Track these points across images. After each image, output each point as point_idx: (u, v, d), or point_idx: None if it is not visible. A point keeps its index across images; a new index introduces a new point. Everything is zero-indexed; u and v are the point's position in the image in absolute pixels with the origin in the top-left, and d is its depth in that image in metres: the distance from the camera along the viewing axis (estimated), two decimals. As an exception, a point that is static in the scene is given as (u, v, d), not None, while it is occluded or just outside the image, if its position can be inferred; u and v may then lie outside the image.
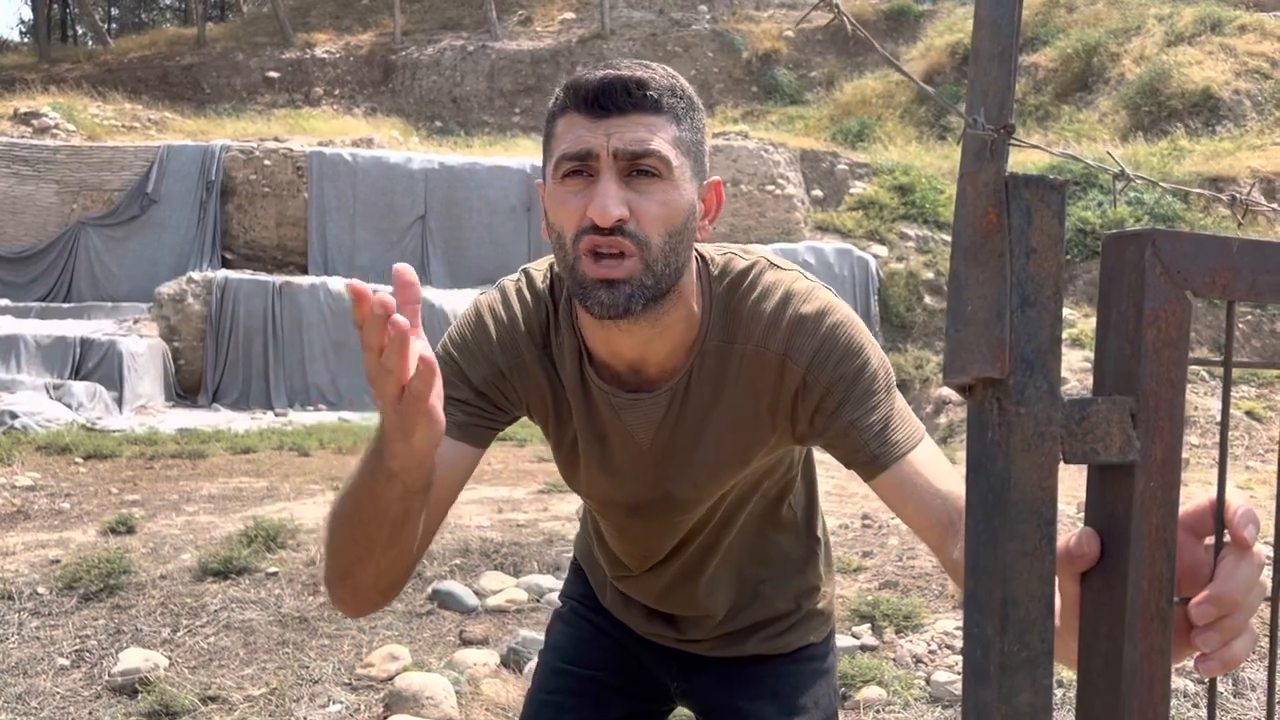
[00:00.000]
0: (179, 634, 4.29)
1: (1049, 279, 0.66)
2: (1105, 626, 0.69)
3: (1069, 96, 20.83)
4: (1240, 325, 14.63)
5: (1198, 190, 1.12)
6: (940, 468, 1.32)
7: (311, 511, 6.29)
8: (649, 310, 1.27)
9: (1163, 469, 0.68)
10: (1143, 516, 0.68)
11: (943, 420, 11.90)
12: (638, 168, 1.23)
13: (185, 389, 13.37)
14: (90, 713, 3.63)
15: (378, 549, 1.25)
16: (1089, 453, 0.68)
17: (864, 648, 4.56)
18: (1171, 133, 18.14)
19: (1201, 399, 12.75)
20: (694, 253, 1.38)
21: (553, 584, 4.96)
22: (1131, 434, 0.68)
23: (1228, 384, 0.70)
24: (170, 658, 4.04)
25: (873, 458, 1.31)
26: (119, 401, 11.97)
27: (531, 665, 3.97)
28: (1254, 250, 0.71)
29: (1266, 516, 8.22)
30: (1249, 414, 12.58)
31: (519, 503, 6.93)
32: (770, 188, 14.54)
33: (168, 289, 13.56)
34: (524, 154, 16.99)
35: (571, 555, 2.09)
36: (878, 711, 3.96)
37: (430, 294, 14.08)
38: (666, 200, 1.25)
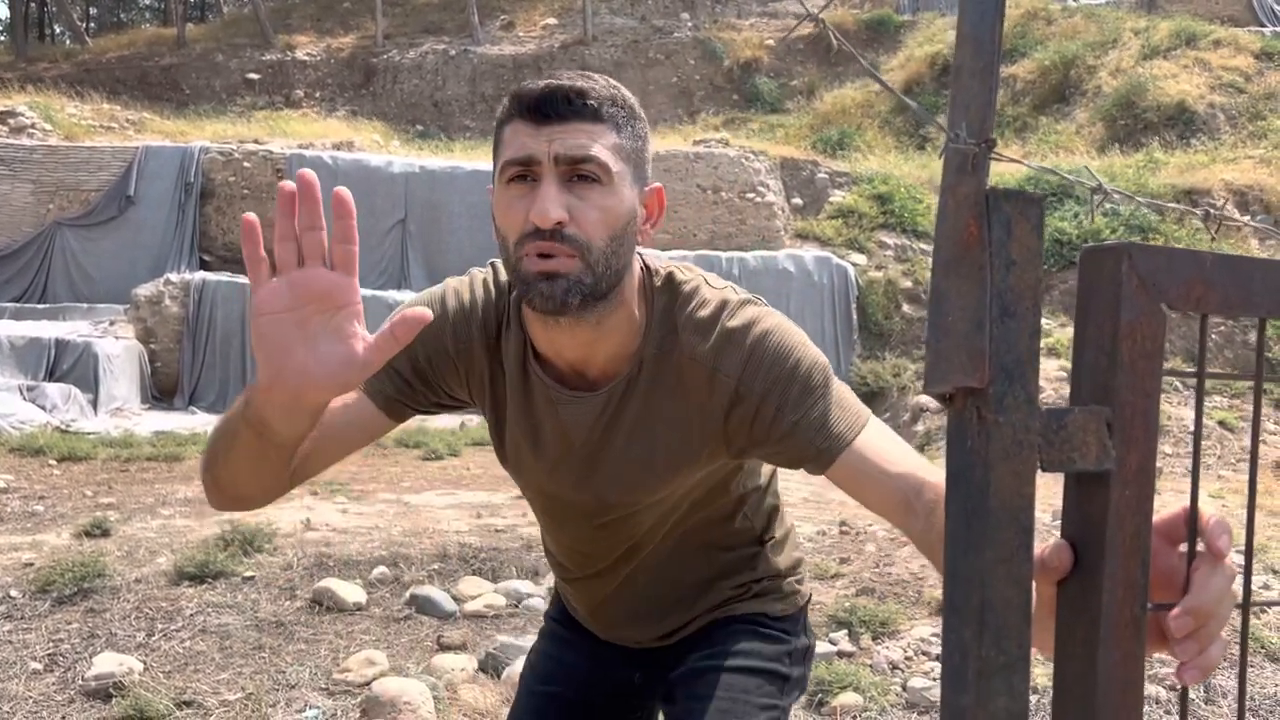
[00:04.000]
0: (154, 638, 4.26)
1: (1028, 291, 0.67)
2: (1080, 633, 0.70)
3: (1047, 108, 21.01)
4: (1213, 336, 14.78)
5: (1172, 205, 1.14)
6: (888, 447, 1.38)
7: (288, 516, 6.26)
8: (588, 309, 1.31)
9: (1137, 478, 0.70)
10: (1118, 524, 0.69)
11: (920, 428, 11.96)
12: (578, 173, 1.28)
13: (161, 391, 13.27)
14: (63, 717, 3.60)
15: (239, 474, 1.36)
16: (1066, 461, 0.69)
17: (841, 654, 4.57)
18: (1147, 145, 18.33)
19: (1175, 409, 12.87)
20: (639, 260, 1.44)
21: (531, 589, 4.96)
22: (1108, 443, 0.69)
23: (1200, 395, 0.72)
24: (145, 662, 4.01)
25: (819, 452, 1.35)
26: (94, 403, 11.87)
27: (510, 670, 3.96)
28: (1226, 265, 0.73)
29: (1238, 525, 8.30)
30: (1221, 424, 12.71)
31: (498, 508, 6.91)
32: (750, 195, 14.58)
33: (145, 291, 13.46)
34: (505, 159, 16.99)
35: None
36: (854, 718, 3.98)
37: (409, 297, 14.04)
38: (606, 205, 1.29)
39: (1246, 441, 12.31)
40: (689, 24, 25.68)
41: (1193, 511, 0.75)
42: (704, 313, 1.42)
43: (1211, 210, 1.06)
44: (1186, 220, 15.88)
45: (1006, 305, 0.66)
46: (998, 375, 0.66)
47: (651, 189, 1.40)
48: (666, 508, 1.56)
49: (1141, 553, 0.70)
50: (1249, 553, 0.77)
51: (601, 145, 1.29)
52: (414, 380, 1.49)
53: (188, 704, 3.68)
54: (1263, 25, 23.19)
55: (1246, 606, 0.83)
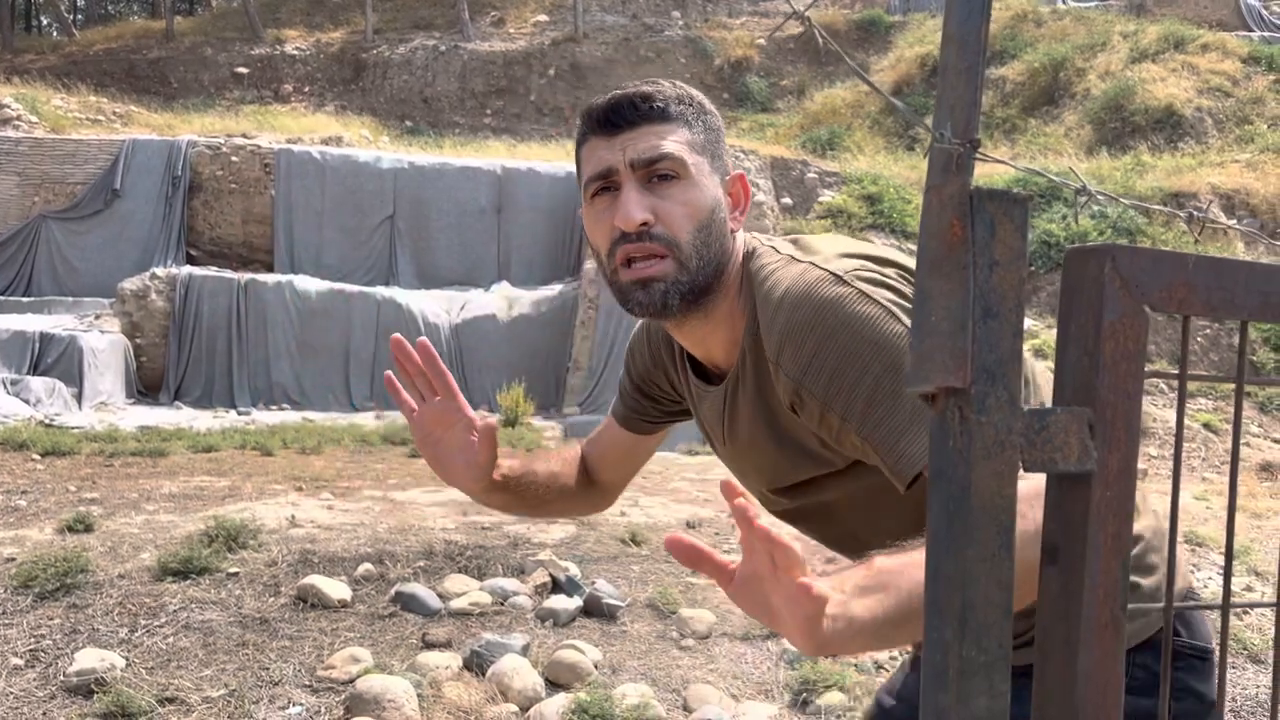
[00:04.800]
0: (137, 634, 4.24)
1: (1011, 291, 0.67)
2: (1061, 633, 0.71)
3: (1036, 110, 21.08)
4: (1198, 339, 14.86)
5: (1156, 207, 1.15)
6: None
7: (274, 512, 6.24)
8: (692, 306, 1.33)
9: (1119, 479, 0.70)
10: (1099, 525, 0.69)
11: (907, 428, 12.00)
12: (656, 173, 1.31)
13: (147, 386, 13.21)
14: (44, 713, 3.58)
15: (531, 511, 1.81)
16: (1048, 462, 0.69)
17: (826, 653, 4.59)
18: (1135, 148, 18.40)
19: (1160, 410, 12.94)
20: (740, 246, 1.39)
21: (517, 587, 4.96)
22: (1089, 444, 0.69)
23: (1182, 396, 0.72)
24: (127, 658, 3.99)
25: (893, 472, 1.21)
26: (78, 398, 11.81)
27: (494, 668, 3.96)
28: (1209, 267, 0.73)
29: (1221, 526, 8.34)
30: (1206, 426, 12.78)
31: (484, 505, 6.91)
32: (740, 194, 14.61)
33: (131, 285, 13.40)
34: (495, 155, 16.95)
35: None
36: (839, 716, 3.99)
37: (397, 295, 14.01)
38: (688, 199, 1.31)
39: (1229, 444, 12.38)
40: (680, 22, 25.67)
41: (1173, 512, 0.75)
42: (773, 296, 1.31)
43: (1195, 213, 1.06)
44: (1173, 223, 15.94)
45: (989, 305, 0.66)
46: (980, 375, 0.66)
47: (733, 176, 1.39)
48: (849, 489, 1.40)
49: (1121, 554, 0.71)
50: (1229, 554, 0.77)
51: (673, 141, 1.31)
52: (641, 400, 1.67)
53: (170, 700, 3.67)
54: (1250, 30, 23.29)
55: (1226, 608, 0.83)
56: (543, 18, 25.68)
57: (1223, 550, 7.79)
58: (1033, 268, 15.07)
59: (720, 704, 3.90)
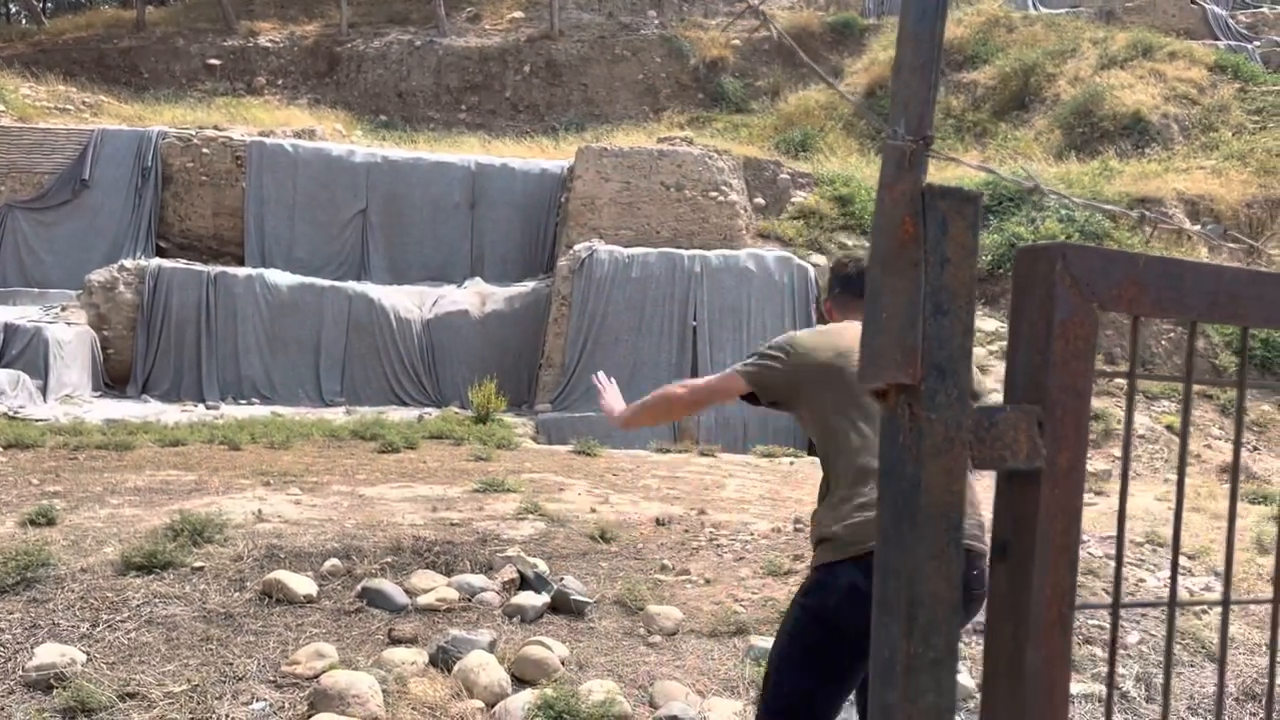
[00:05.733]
0: (98, 629, 4.19)
1: (962, 288, 0.67)
2: (1009, 630, 0.71)
3: (1006, 115, 21.23)
4: (1162, 342, 15.02)
5: (1110, 207, 1.16)
6: None
7: (241, 506, 6.19)
8: None
9: (1067, 477, 0.70)
10: (1048, 523, 0.70)
11: (877, 429, 12.06)
12: None
13: (114, 379, 13.07)
14: (2, 709, 3.53)
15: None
16: (997, 459, 0.70)
17: (792, 652, 4.60)
18: (1103, 153, 18.58)
19: (1121, 412, 13.06)
20: None
21: (484, 583, 4.94)
22: (1038, 442, 0.69)
23: (1131, 396, 0.73)
24: (88, 653, 3.94)
25: None
26: (43, 390, 11.66)
27: (461, 664, 3.94)
28: (1158, 267, 0.74)
29: (1185, 530, 8.44)
30: (1169, 428, 12.92)
31: (453, 501, 6.88)
32: (714, 194, 14.61)
33: (98, 276, 13.25)
34: (469, 151, 16.88)
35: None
36: (804, 715, 4.00)
37: (369, 289, 13.93)
38: None
39: (1194, 446, 12.53)
40: (656, 21, 25.66)
41: (1121, 511, 0.76)
42: None
43: (1147, 214, 1.07)
44: (1139, 227, 16.11)
45: (940, 303, 0.66)
46: (930, 372, 0.66)
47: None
48: None
49: (1070, 552, 0.71)
50: (1175, 552, 0.78)
51: None
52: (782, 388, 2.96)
53: (131, 696, 3.63)
54: (1217, 39, 23.57)
55: (1172, 605, 0.84)
56: (518, 14, 25.59)
57: (1184, 551, 7.88)
58: (999, 270, 15.17)
59: (686, 700, 3.90)
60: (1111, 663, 0.78)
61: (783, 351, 2.77)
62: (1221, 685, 0.79)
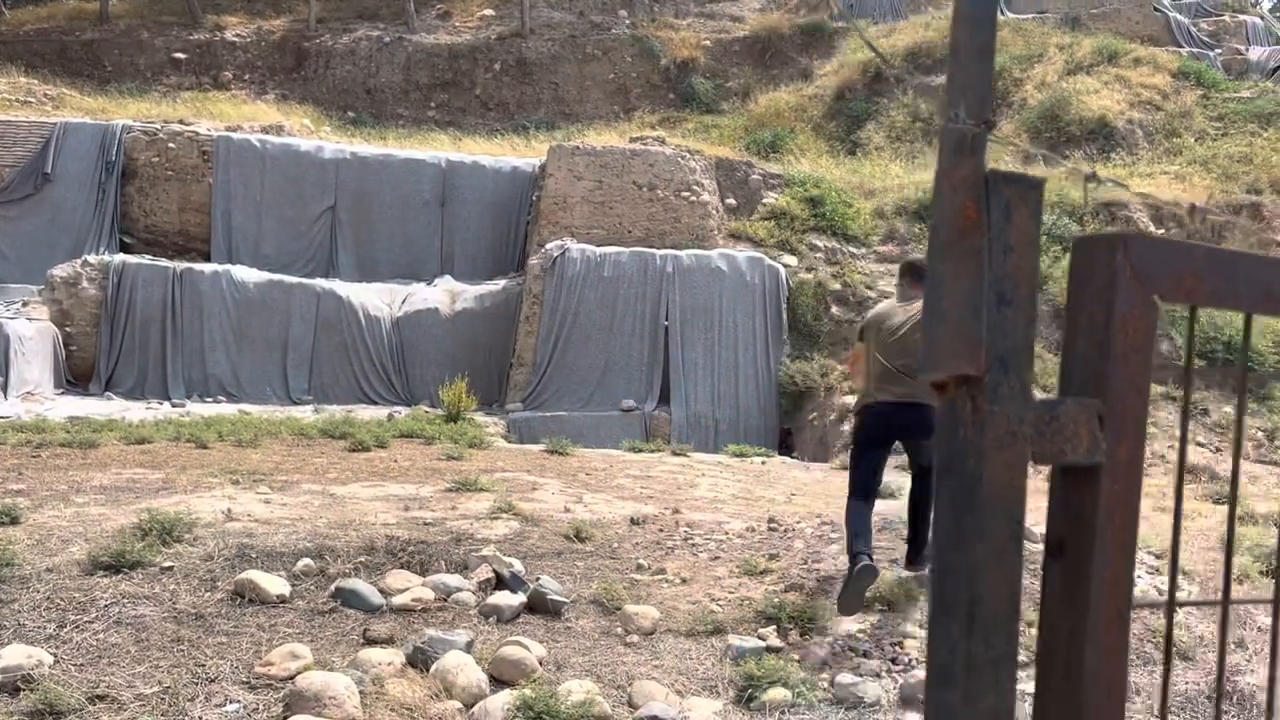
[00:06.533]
0: (65, 630, 4.11)
1: (1026, 277, 0.66)
2: (1065, 628, 0.69)
3: (976, 117, 21.42)
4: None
5: (1165, 201, 1.14)
6: None
7: (210, 505, 6.10)
8: None
9: (1127, 471, 0.69)
10: (1107, 518, 0.68)
11: (846, 427, 12.08)
12: None
13: (76, 376, 12.86)
14: (-33, 712, 3.45)
15: None
16: (1057, 453, 0.68)
17: (770, 649, 4.59)
18: (1070, 157, 18.77)
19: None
20: None
21: (460, 583, 4.89)
22: (1099, 436, 0.68)
23: (1189, 388, 0.71)
24: (56, 655, 3.86)
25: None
26: (4, 387, 11.44)
27: (439, 664, 3.90)
28: (1215, 258, 0.72)
29: (1152, 528, 8.52)
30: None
31: (426, 500, 6.82)
32: (686, 194, 14.61)
33: (61, 271, 13.02)
34: (440, 148, 16.77)
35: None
36: (783, 713, 4.00)
37: (338, 287, 13.80)
38: None
39: (1159, 446, 12.68)
40: (626, 21, 25.63)
41: (1177, 507, 0.74)
42: None
43: (1196, 205, 1.06)
44: (1104, 231, 16.28)
45: (1003, 292, 0.64)
46: (993, 364, 0.65)
47: None
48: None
49: (1129, 548, 0.69)
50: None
51: None
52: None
53: (101, 698, 3.56)
54: (1180, 46, 23.89)
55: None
56: (489, 12, 25.45)
57: (1152, 550, 7.97)
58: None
59: (665, 700, 3.88)
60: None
61: (863, 320, 6.13)
62: (1274, 684, 0.78)
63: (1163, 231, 17.11)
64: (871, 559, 4.79)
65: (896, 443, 5.50)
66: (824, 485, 9.15)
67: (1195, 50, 23.67)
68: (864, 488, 5.19)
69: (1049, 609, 0.71)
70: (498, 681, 3.92)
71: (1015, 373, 0.66)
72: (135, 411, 11.24)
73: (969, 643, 0.66)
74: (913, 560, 5.41)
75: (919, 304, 4.83)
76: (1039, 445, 0.67)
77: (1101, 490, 0.69)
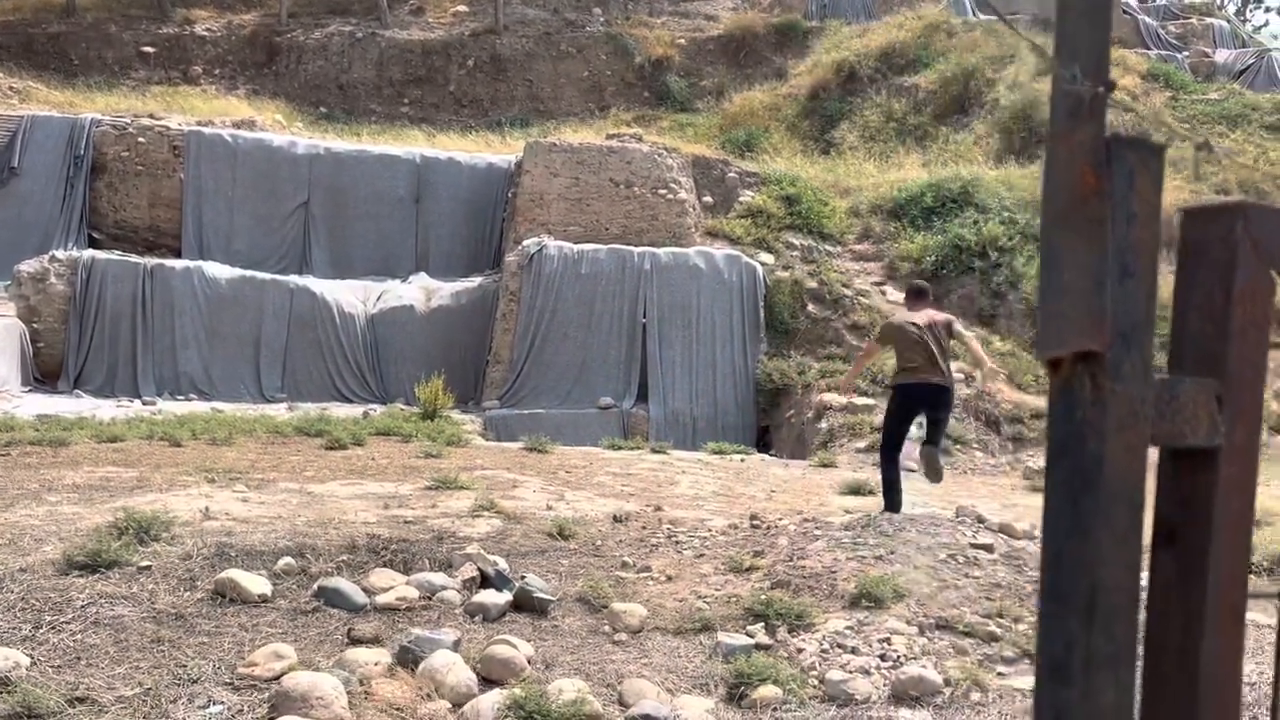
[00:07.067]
0: (41, 631, 4.01)
1: (1148, 249, 0.62)
2: (1179, 620, 0.66)
3: (947, 118, 21.51)
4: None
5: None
6: None
7: (186, 504, 6.00)
8: None
9: (1244, 454, 0.65)
10: (1224, 504, 0.65)
11: (824, 425, 12.10)
12: None
13: (44, 373, 12.65)
14: (-58, 715, 3.35)
15: None
16: (1177, 435, 0.64)
17: (759, 646, 4.56)
18: (1041, 157, 18.91)
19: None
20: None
21: (445, 581, 4.83)
22: (1218, 417, 0.64)
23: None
24: (32, 656, 3.77)
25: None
26: (-30, 384, 11.24)
27: (426, 663, 3.84)
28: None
29: None
30: None
31: (406, 498, 6.74)
32: (663, 192, 14.57)
33: (28, 267, 12.80)
34: (414, 144, 16.65)
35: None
36: (775, 710, 3.97)
37: (311, 284, 13.66)
38: None
39: None
40: (601, 19, 25.56)
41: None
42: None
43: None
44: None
45: (1126, 264, 0.61)
46: (1115, 340, 0.61)
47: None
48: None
49: (1246, 535, 0.66)
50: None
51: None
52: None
53: (80, 700, 3.47)
54: (1148, 48, 24.16)
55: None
56: (462, 8, 25.30)
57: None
58: (944, 270, 15.33)
59: (657, 698, 3.84)
60: None
61: (886, 324, 7.38)
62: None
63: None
64: (896, 510, 6.87)
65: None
66: (804, 482, 9.14)
67: (1163, 53, 23.93)
68: (893, 437, 7.08)
69: (1160, 599, 0.67)
70: (486, 681, 3.86)
71: (1137, 350, 0.62)
72: (105, 409, 11.07)
73: (1088, 636, 0.62)
74: (890, 507, 7.06)
75: (923, 314, 6.98)
76: (1159, 427, 0.64)
77: (1219, 475, 0.65)
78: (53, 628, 4.05)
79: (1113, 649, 0.62)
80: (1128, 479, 0.62)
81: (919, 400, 6.93)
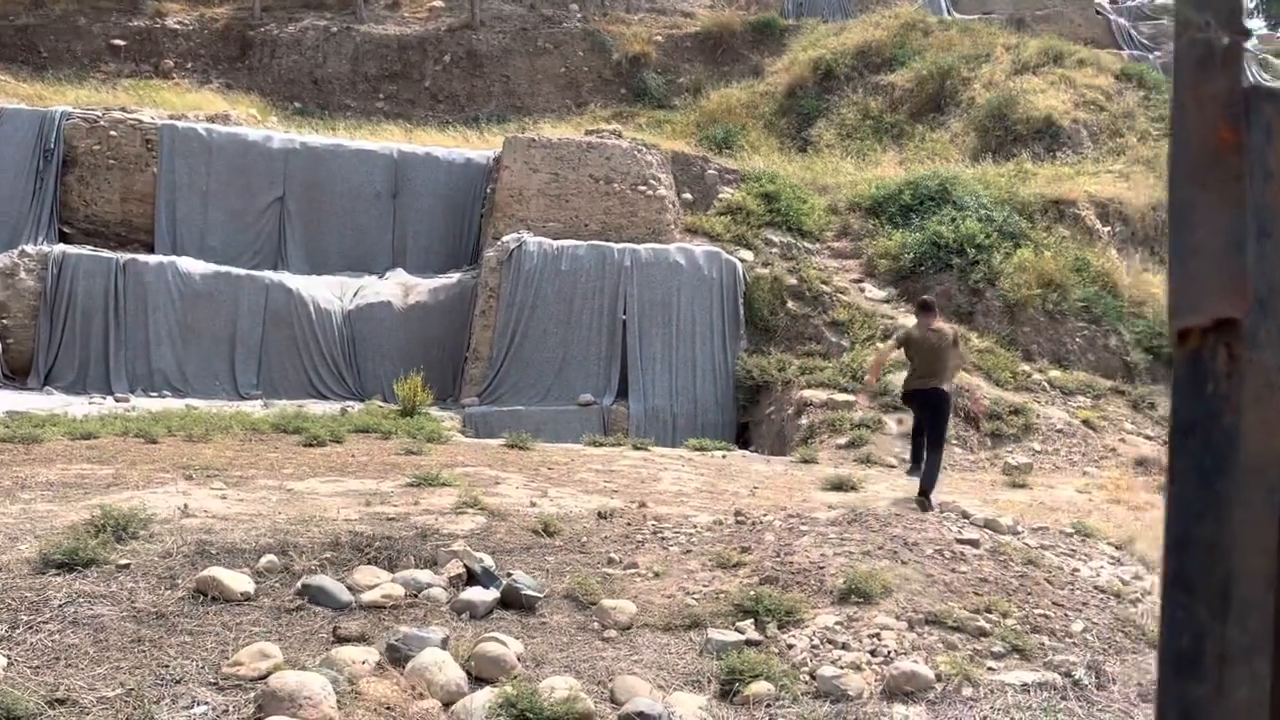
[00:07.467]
0: (18, 631, 3.92)
1: (1287, 209, 0.58)
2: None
3: (923, 117, 21.57)
4: (1076, 339, 15.41)
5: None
6: None
7: (164, 501, 5.89)
8: None
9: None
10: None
11: (804, 421, 12.08)
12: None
13: (13, 370, 12.44)
14: (-83, 718, 3.26)
15: None
16: (1311, 411, 0.60)
17: (749, 642, 4.53)
18: (1017, 156, 19.00)
19: (1043, 407, 13.35)
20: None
21: (431, 579, 4.77)
22: (1352, 392, 0.60)
23: None
24: (9, 657, 3.68)
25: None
26: (-62, 381, 11.03)
27: (415, 661, 3.78)
28: None
29: (1105, 518, 8.61)
30: (1085, 423, 13.23)
31: (388, 496, 6.66)
32: (642, 188, 14.52)
33: (-3, 262, 12.59)
34: (391, 139, 16.51)
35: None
36: (768, 705, 3.93)
37: (287, 279, 13.52)
38: None
39: (1109, 440, 12.86)
40: (577, 15, 25.47)
41: None
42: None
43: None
44: (1054, 228, 16.50)
45: (1263, 224, 0.57)
46: (1251, 306, 0.57)
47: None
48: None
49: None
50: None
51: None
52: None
53: (61, 702, 3.39)
54: (1120, 48, 24.37)
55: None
56: (438, 3, 25.14)
57: (1111, 541, 8.05)
58: (921, 268, 15.37)
59: (649, 695, 3.80)
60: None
61: (904, 330, 8.56)
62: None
63: (1109, 229, 17.37)
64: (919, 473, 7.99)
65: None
66: (786, 479, 9.13)
67: (1135, 53, 24.13)
68: (919, 451, 8.17)
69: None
70: (477, 679, 3.81)
71: (1274, 317, 0.58)
72: (77, 406, 10.90)
73: (1223, 627, 0.57)
74: (911, 472, 8.62)
75: (932, 325, 7.97)
76: (1293, 402, 0.59)
77: (1353, 454, 0.60)
78: (30, 628, 3.96)
79: (1247, 641, 0.58)
80: (1265, 457, 0.57)
81: (921, 404, 8.07)
